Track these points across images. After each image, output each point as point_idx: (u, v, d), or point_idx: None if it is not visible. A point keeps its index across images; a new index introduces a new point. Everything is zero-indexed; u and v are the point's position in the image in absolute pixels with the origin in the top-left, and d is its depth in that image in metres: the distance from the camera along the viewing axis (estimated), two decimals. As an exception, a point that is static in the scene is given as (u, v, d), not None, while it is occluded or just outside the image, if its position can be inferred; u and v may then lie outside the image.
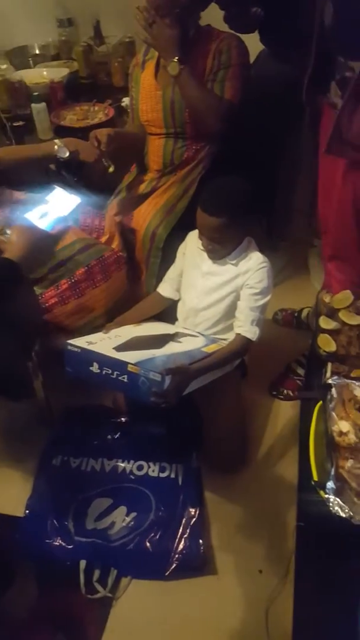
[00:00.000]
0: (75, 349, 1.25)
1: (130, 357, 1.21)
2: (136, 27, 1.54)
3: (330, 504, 0.82)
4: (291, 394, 1.67)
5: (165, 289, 1.55)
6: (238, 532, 1.36)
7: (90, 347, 1.26)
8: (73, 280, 1.49)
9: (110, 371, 1.21)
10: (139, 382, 1.18)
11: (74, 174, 1.55)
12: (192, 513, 1.37)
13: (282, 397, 1.69)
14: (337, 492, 0.83)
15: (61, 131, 1.95)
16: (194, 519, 1.36)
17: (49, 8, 2.41)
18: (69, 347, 1.26)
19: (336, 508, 0.82)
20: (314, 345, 1.21)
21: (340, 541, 0.90)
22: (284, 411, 1.65)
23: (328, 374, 1.09)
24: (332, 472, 0.84)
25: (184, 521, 1.36)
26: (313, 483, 0.85)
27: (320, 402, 0.96)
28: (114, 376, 1.20)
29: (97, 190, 1.80)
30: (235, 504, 1.42)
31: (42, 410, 1.63)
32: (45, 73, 2.25)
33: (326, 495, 0.83)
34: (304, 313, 1.94)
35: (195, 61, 1.56)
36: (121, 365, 1.19)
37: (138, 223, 1.66)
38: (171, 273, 1.54)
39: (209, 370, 1.30)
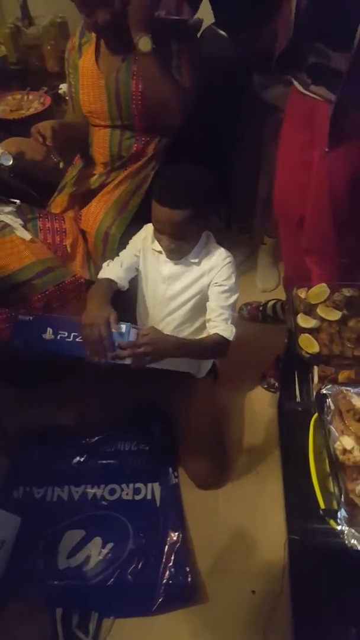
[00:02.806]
0: (28, 317, 1.19)
1: None
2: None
3: (345, 536, 0.73)
4: (277, 384, 1.59)
5: (117, 274, 1.30)
6: (225, 552, 1.27)
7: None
8: (29, 307, 1.33)
9: (66, 334, 1.15)
10: None
11: (21, 177, 1.38)
12: (175, 537, 1.27)
13: (265, 386, 1.62)
14: (350, 521, 0.74)
15: (-7, 124, 1.76)
16: (178, 544, 1.25)
17: (-33, -13, 2.18)
18: (20, 317, 1.19)
19: (352, 541, 0.73)
20: (294, 347, 1.12)
21: (346, 568, 0.82)
22: (260, 412, 1.56)
23: (315, 380, 1.00)
24: (342, 499, 0.74)
25: (166, 548, 1.25)
26: (321, 512, 0.75)
27: (316, 415, 0.87)
28: (71, 339, 1.15)
29: (45, 189, 1.63)
30: (219, 521, 1.32)
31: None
32: (-33, 60, 2.03)
33: (339, 527, 0.73)
34: (269, 305, 1.87)
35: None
36: (79, 325, 1.14)
37: (88, 223, 1.50)
38: (125, 262, 1.33)
39: (186, 350, 1.21)
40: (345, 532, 0.73)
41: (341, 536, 0.73)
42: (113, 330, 1.12)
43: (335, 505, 0.75)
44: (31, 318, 1.19)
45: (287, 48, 1.10)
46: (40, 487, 1.40)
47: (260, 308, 1.88)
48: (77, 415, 1.54)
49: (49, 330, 1.16)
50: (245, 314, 1.88)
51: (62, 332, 1.15)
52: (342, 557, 0.76)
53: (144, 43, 1.34)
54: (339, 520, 0.73)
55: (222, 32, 1.62)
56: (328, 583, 0.94)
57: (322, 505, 0.75)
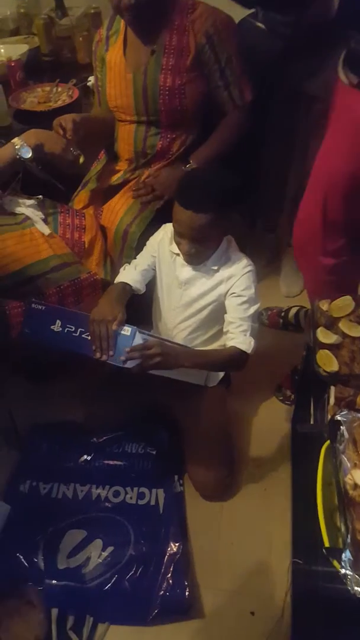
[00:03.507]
0: (40, 307, 1.19)
1: None
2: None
3: (348, 581, 0.67)
4: (292, 396, 1.53)
5: (132, 277, 1.28)
6: (226, 568, 1.22)
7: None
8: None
9: (73, 328, 1.15)
10: None
11: (48, 170, 1.37)
12: (175, 548, 1.23)
13: (281, 398, 1.56)
14: (355, 565, 0.68)
15: (21, 116, 1.74)
16: (178, 556, 1.22)
17: (6, -23, 2.16)
18: (33, 305, 1.19)
19: (355, 588, 0.67)
20: (310, 363, 1.06)
21: (349, 611, 0.76)
22: (274, 425, 1.50)
23: (331, 401, 0.94)
24: (348, 539, 0.69)
25: (166, 558, 1.22)
26: (325, 551, 0.70)
27: (328, 442, 0.81)
28: (77, 334, 1.15)
29: (69, 183, 1.61)
30: (221, 535, 1.28)
31: (6, 429, 1.46)
32: (2, 51, 2.02)
33: (342, 570, 0.68)
34: (292, 312, 1.79)
35: (171, 39, 1.36)
36: (87, 321, 1.14)
37: (108, 219, 1.48)
38: (141, 264, 1.32)
39: (197, 362, 1.20)
40: (349, 576, 0.67)
41: (344, 580, 0.68)
42: (115, 329, 1.11)
43: (340, 544, 0.70)
44: (43, 307, 1.19)
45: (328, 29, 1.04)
46: (47, 483, 1.39)
47: (282, 314, 1.80)
48: (86, 412, 1.52)
49: (58, 322, 1.16)
50: (265, 320, 1.81)
51: (69, 326, 1.16)
52: (345, 599, 0.71)
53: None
54: (342, 563, 0.68)
55: (259, 24, 1.56)
56: (330, 618, 0.89)
57: (327, 543, 0.70)
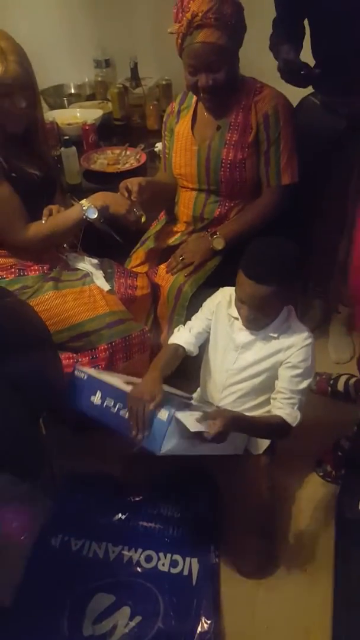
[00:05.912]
0: (82, 375, 1.18)
1: None
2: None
3: None
4: (334, 472, 1.47)
5: (186, 339, 1.29)
6: (259, 655, 1.15)
7: (98, 376, 1.18)
8: (94, 356, 1.36)
9: (112, 403, 1.12)
10: None
11: (104, 221, 1.45)
12: (206, 626, 1.17)
13: (321, 474, 1.49)
14: None
15: (90, 176, 1.85)
16: (209, 635, 1.15)
17: (87, 48, 2.37)
18: (76, 372, 1.19)
19: None
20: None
21: None
22: (316, 500, 1.43)
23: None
24: None
25: (196, 636, 1.15)
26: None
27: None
28: (115, 410, 1.11)
29: (128, 238, 1.68)
30: (256, 616, 1.20)
31: (45, 477, 1.46)
32: (78, 114, 2.19)
33: None
34: (341, 381, 1.74)
35: (236, 117, 1.45)
36: (125, 398, 1.09)
37: (163, 278, 1.52)
38: (196, 326, 1.32)
39: (243, 426, 1.17)
40: None
41: None
42: (152, 409, 1.06)
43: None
44: (85, 377, 1.18)
45: None
46: (79, 539, 1.36)
47: (331, 382, 1.75)
48: (124, 468, 1.50)
49: (98, 394, 1.14)
50: (313, 386, 1.76)
51: (108, 400, 1.13)
52: None
53: (217, 243, 1.48)
54: None
55: (317, 101, 1.61)
56: None
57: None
